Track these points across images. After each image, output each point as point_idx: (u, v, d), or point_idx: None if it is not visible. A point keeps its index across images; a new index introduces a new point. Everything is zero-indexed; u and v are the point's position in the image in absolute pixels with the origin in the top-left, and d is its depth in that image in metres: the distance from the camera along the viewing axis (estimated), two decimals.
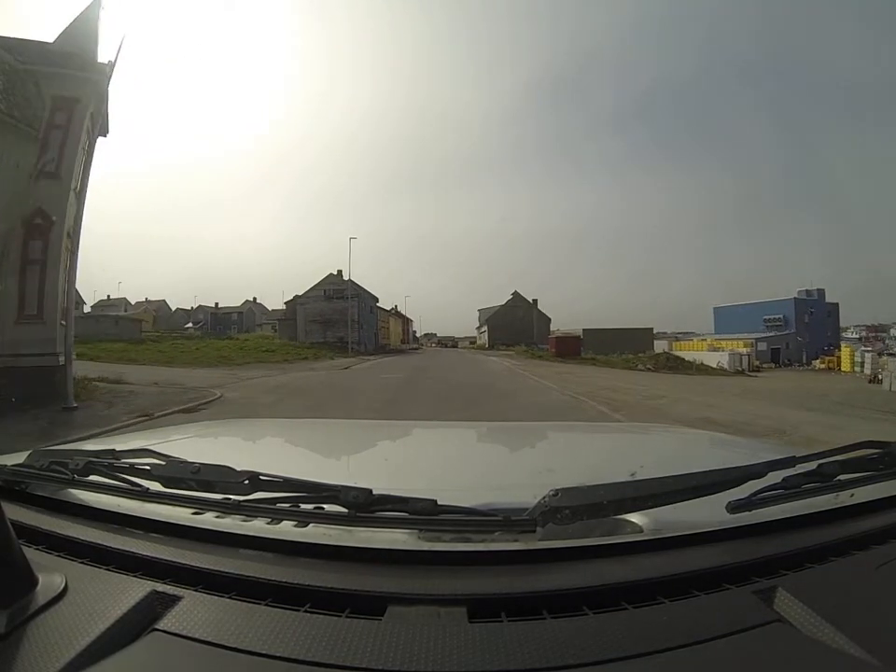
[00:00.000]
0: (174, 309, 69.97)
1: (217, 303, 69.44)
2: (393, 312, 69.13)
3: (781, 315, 48.34)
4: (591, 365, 27.12)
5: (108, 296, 63.73)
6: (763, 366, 34.50)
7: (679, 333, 61.22)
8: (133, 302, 64.56)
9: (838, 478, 0.72)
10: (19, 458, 0.84)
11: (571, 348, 34.18)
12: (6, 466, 0.80)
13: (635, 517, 0.66)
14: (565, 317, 69.14)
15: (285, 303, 44.66)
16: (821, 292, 51.75)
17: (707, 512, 0.66)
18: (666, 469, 0.69)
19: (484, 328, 72.40)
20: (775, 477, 0.69)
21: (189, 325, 63.14)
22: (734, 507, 0.65)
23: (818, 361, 37.25)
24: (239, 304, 71.67)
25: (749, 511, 0.66)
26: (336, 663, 0.44)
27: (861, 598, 0.56)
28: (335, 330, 40.49)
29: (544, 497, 0.61)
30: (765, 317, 48.77)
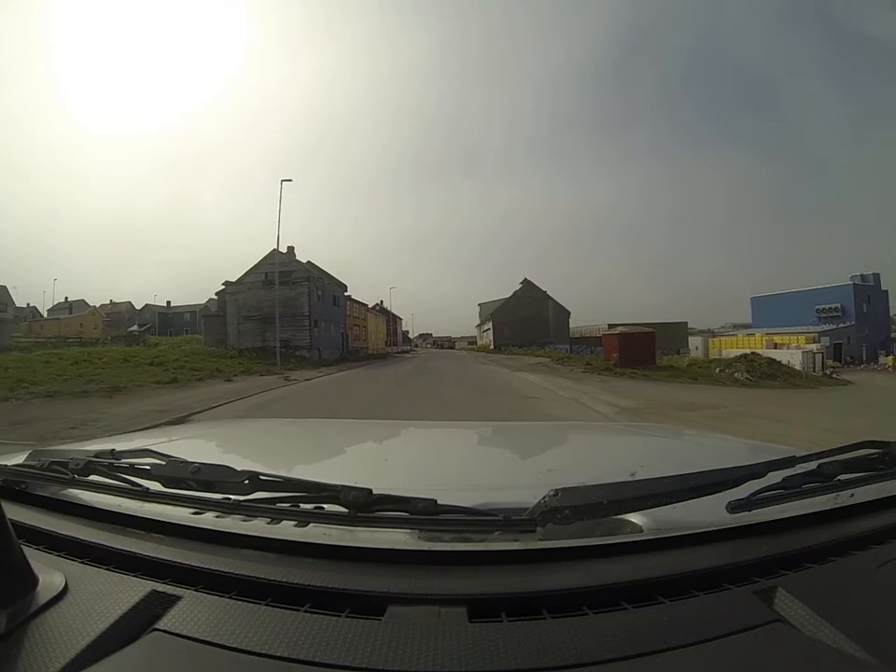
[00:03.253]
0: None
1: (168, 302, 59.67)
2: (377, 308, 58.69)
3: (838, 305, 39.45)
4: (688, 382, 16.03)
5: (66, 298, 59.15)
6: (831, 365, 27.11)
7: (702, 328, 52.94)
8: (96, 305, 58.70)
9: (838, 478, 0.72)
10: (19, 458, 0.84)
11: (644, 352, 19.69)
12: (6, 466, 0.80)
13: (635, 517, 0.66)
14: (576, 313, 57.29)
15: (216, 294, 30.62)
16: (877, 277, 42.45)
17: (707, 512, 0.66)
18: (666, 469, 0.69)
19: (488, 325, 59.17)
20: (775, 477, 0.69)
21: (135, 327, 54.08)
22: (733, 507, 0.65)
23: (889, 358, 30.30)
24: (204, 302, 61.79)
25: (749, 510, 0.66)
26: (336, 663, 0.44)
27: (861, 598, 0.56)
28: (281, 330, 27.48)
29: (544, 497, 0.60)
30: (819, 307, 40.12)
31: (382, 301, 62.11)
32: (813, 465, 0.72)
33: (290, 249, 31.50)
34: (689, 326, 50.38)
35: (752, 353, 22.86)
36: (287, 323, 28.17)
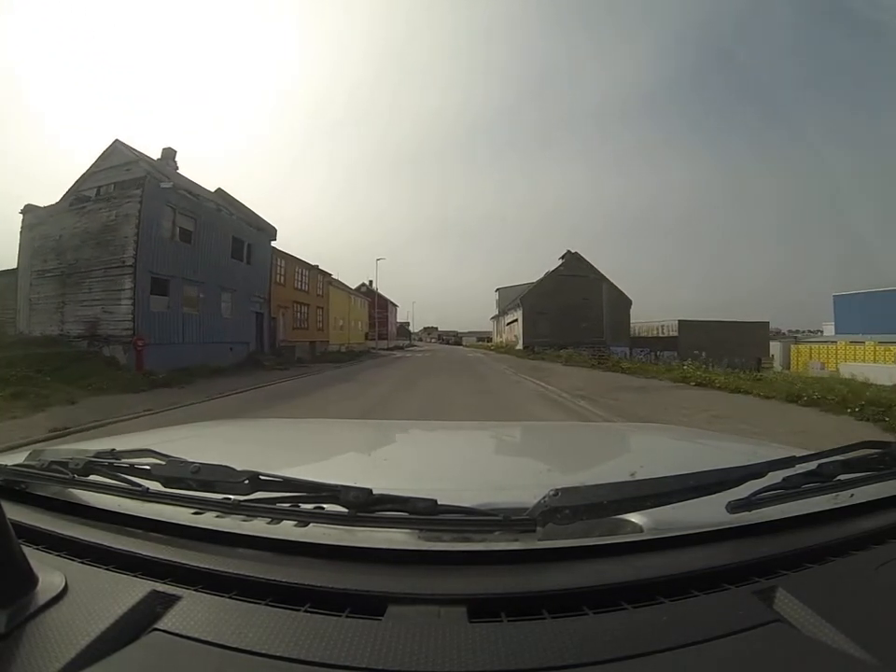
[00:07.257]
0: None
1: None
2: (363, 290, 44.42)
3: None
4: None
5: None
6: None
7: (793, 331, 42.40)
8: None
9: (838, 478, 0.72)
10: (19, 458, 0.85)
11: None
12: (6, 466, 0.81)
13: (635, 517, 0.66)
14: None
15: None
16: None
17: (707, 512, 0.66)
18: (666, 468, 0.69)
19: (514, 315, 39.83)
20: (775, 477, 0.69)
21: None
22: (734, 507, 0.65)
23: None
24: None
25: (749, 510, 0.66)
26: (336, 663, 0.44)
27: (861, 598, 0.56)
28: (89, 302, 12.44)
29: (544, 497, 0.61)
30: None
31: (371, 282, 46.42)
32: (813, 465, 0.72)
33: (168, 152, 16.86)
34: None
35: None
36: (97, 284, 12.56)
